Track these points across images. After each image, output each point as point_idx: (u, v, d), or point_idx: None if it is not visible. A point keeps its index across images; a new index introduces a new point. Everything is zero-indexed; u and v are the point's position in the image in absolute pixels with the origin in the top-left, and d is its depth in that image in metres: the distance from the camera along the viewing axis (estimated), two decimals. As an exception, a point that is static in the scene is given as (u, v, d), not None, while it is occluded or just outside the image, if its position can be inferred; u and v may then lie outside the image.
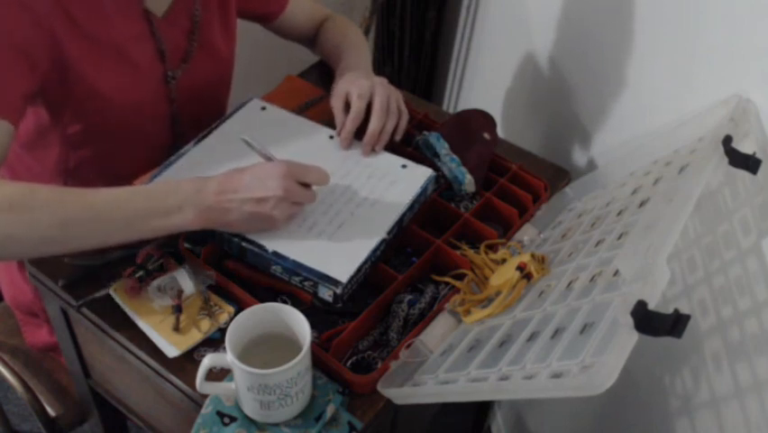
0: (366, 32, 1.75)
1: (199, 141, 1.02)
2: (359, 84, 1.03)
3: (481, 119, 1.11)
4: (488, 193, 1.04)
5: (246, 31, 1.23)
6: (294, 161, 0.88)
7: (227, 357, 0.75)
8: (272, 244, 0.88)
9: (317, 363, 0.84)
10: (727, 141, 0.78)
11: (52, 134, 1.02)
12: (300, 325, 0.78)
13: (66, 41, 0.91)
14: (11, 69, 0.87)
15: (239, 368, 0.74)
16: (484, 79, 1.73)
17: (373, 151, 1.03)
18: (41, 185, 0.83)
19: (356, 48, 1.19)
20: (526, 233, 1.01)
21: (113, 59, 0.97)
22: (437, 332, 0.87)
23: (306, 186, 0.89)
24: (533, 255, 0.87)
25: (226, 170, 0.91)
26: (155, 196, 0.85)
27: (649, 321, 0.57)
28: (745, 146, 0.79)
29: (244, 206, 0.85)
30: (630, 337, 0.57)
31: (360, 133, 1.03)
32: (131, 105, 1.01)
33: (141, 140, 1.07)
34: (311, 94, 1.23)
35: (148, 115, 1.05)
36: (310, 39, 1.27)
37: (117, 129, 1.03)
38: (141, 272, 0.90)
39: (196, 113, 1.11)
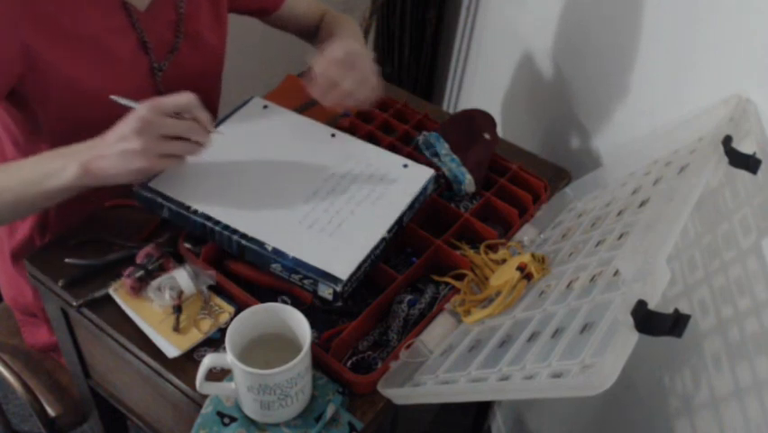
0: (366, 32, 1.75)
1: (199, 141, 1.02)
2: (346, 42, 1.03)
3: (481, 119, 1.11)
4: (488, 193, 1.04)
5: (246, 31, 1.23)
6: (167, 97, 0.87)
7: (227, 357, 0.75)
8: (272, 242, 0.88)
9: (317, 363, 0.84)
10: (727, 141, 0.78)
11: (42, 131, 1.03)
12: (300, 325, 0.78)
13: (39, 43, 0.92)
14: None
15: (239, 368, 0.74)
16: (484, 79, 1.73)
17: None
18: None
19: (351, 31, 1.19)
20: (526, 233, 1.01)
21: (91, 53, 0.97)
22: (437, 332, 0.87)
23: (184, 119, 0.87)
24: (533, 255, 0.87)
25: (227, 168, 0.92)
26: (42, 161, 0.90)
27: (649, 321, 0.57)
28: (745, 146, 0.79)
29: (113, 148, 0.86)
30: (630, 337, 0.57)
31: (360, 134, 1.03)
32: (120, 95, 1.01)
33: None
34: (311, 94, 1.23)
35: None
36: (309, 33, 1.27)
37: (105, 124, 1.04)
38: (141, 272, 0.90)
39: None
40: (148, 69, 1.04)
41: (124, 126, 0.86)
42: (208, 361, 0.77)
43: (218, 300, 0.90)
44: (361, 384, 0.83)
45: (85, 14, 0.95)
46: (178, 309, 0.87)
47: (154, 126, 0.85)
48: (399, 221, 0.94)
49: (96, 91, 0.99)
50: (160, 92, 1.06)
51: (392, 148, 1.06)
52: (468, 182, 1.03)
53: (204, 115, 0.88)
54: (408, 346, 0.85)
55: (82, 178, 0.88)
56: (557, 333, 0.68)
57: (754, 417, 0.82)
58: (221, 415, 0.81)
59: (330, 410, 0.80)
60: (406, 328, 0.89)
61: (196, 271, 0.90)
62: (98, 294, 0.91)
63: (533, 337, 0.71)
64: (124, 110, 1.04)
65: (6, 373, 1.22)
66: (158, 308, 0.88)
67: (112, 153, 0.87)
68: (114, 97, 0.91)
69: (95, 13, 0.96)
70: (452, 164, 1.03)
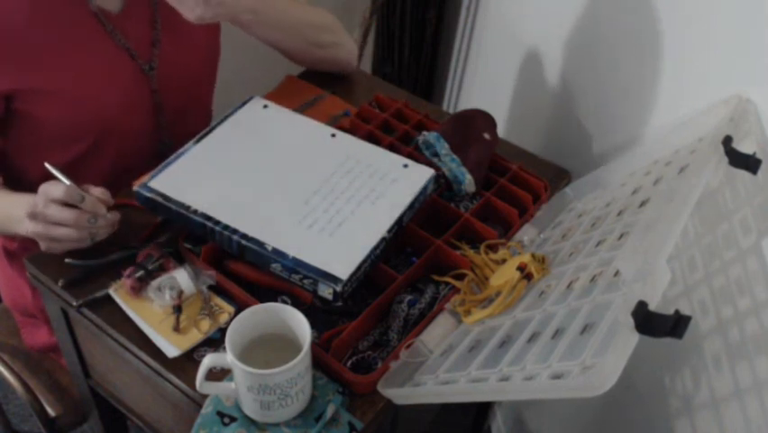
0: (366, 32, 1.75)
1: (199, 140, 1.02)
2: None
3: (481, 119, 1.11)
4: (488, 193, 1.04)
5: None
6: (54, 183, 0.88)
7: (227, 357, 0.75)
8: (272, 242, 0.88)
9: (317, 363, 0.84)
10: (727, 141, 0.78)
11: (43, 146, 1.05)
12: (300, 325, 0.78)
13: (17, 81, 0.95)
14: None
15: (239, 368, 0.74)
16: (484, 79, 1.73)
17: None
18: None
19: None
20: (526, 233, 1.01)
21: (72, 67, 0.98)
22: (437, 332, 0.87)
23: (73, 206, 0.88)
24: (533, 255, 0.87)
25: (227, 168, 0.91)
26: (9, 204, 0.95)
27: (650, 322, 0.57)
28: (745, 146, 0.79)
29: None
30: (631, 338, 0.57)
31: (360, 134, 1.03)
32: (112, 102, 1.02)
33: (126, 133, 1.08)
34: (311, 94, 1.23)
35: (130, 108, 1.06)
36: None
37: (105, 127, 1.04)
38: (141, 272, 0.90)
39: (180, 104, 1.11)
40: (137, 71, 1.04)
41: (20, 211, 0.90)
42: (208, 361, 0.77)
43: (218, 300, 0.90)
44: (361, 384, 0.83)
45: (47, 35, 0.96)
46: (178, 309, 0.87)
47: (40, 215, 0.88)
48: (399, 221, 0.94)
49: (90, 101, 1.00)
50: (154, 91, 1.06)
51: (392, 148, 1.06)
52: (468, 182, 1.03)
53: (89, 203, 0.88)
54: (408, 346, 0.85)
55: (32, 235, 0.90)
56: (557, 333, 0.68)
57: (754, 417, 0.82)
58: (221, 415, 0.81)
59: (330, 410, 0.80)
60: (406, 328, 0.89)
61: (196, 271, 0.90)
62: (98, 294, 0.91)
63: (533, 338, 0.71)
64: (118, 113, 1.04)
65: (6, 373, 1.22)
66: (158, 308, 0.88)
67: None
68: (47, 165, 0.92)
69: (60, 31, 0.97)
70: (452, 164, 1.03)
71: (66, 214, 0.87)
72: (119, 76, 1.03)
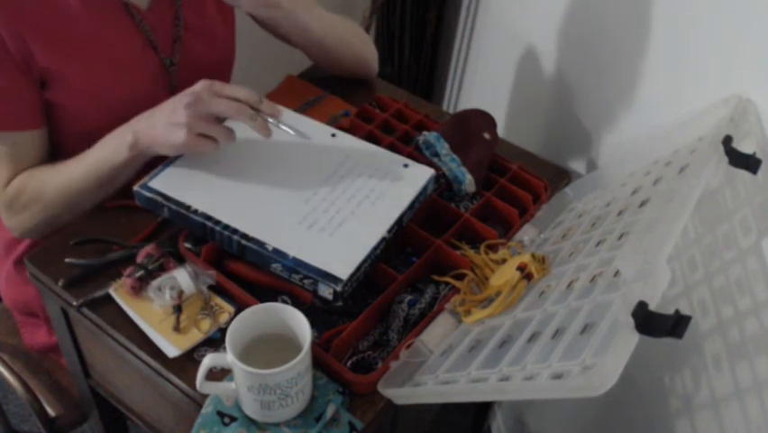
0: (366, 32, 1.75)
1: (199, 140, 1.02)
2: None
3: (481, 119, 1.11)
4: (488, 193, 1.04)
5: (246, 31, 1.22)
6: (226, 84, 0.89)
7: (227, 357, 0.75)
8: (272, 242, 0.88)
9: (317, 363, 0.84)
10: (727, 141, 0.78)
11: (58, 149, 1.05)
12: (300, 325, 0.78)
13: (50, 60, 0.94)
14: (14, 81, 0.93)
15: (239, 368, 0.74)
16: (484, 79, 1.73)
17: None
18: (37, 178, 0.99)
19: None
20: (527, 233, 1.01)
21: (101, 60, 0.98)
22: (437, 332, 0.87)
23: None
24: (533, 255, 0.87)
25: (226, 168, 0.91)
26: (100, 145, 0.96)
27: (650, 322, 0.57)
28: (745, 146, 0.79)
29: (163, 119, 0.89)
30: (631, 338, 0.57)
31: (360, 134, 1.03)
32: (136, 96, 1.02)
33: None
34: (311, 94, 1.23)
35: (147, 103, 1.06)
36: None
37: (122, 119, 1.04)
38: (141, 272, 0.90)
39: None
40: (159, 66, 1.05)
41: (177, 99, 0.88)
42: (208, 361, 0.77)
43: (218, 300, 0.90)
44: (361, 384, 0.83)
45: (88, 22, 0.96)
46: (178, 309, 0.87)
47: (204, 104, 0.87)
48: (399, 221, 0.94)
49: (113, 97, 1.00)
50: (173, 86, 1.07)
51: (392, 148, 1.06)
52: (468, 182, 1.03)
53: (267, 105, 0.90)
54: (408, 346, 0.85)
55: (132, 148, 0.91)
56: (557, 333, 0.68)
57: (754, 417, 0.82)
58: (221, 415, 0.81)
59: (330, 410, 0.81)
60: (406, 328, 0.89)
61: (197, 271, 0.90)
62: (98, 294, 0.91)
63: (533, 338, 0.71)
64: (139, 104, 1.04)
65: (6, 373, 1.22)
66: (158, 308, 0.88)
67: (160, 124, 0.89)
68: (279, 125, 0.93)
69: (98, 20, 0.97)
70: (452, 164, 1.03)
71: (235, 106, 0.87)
72: (144, 69, 1.04)
